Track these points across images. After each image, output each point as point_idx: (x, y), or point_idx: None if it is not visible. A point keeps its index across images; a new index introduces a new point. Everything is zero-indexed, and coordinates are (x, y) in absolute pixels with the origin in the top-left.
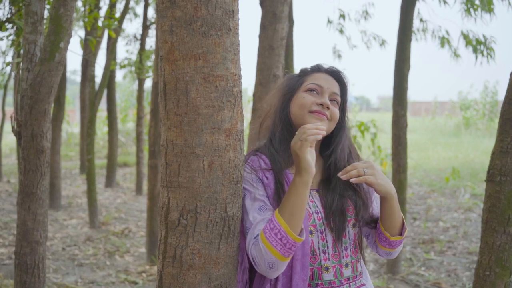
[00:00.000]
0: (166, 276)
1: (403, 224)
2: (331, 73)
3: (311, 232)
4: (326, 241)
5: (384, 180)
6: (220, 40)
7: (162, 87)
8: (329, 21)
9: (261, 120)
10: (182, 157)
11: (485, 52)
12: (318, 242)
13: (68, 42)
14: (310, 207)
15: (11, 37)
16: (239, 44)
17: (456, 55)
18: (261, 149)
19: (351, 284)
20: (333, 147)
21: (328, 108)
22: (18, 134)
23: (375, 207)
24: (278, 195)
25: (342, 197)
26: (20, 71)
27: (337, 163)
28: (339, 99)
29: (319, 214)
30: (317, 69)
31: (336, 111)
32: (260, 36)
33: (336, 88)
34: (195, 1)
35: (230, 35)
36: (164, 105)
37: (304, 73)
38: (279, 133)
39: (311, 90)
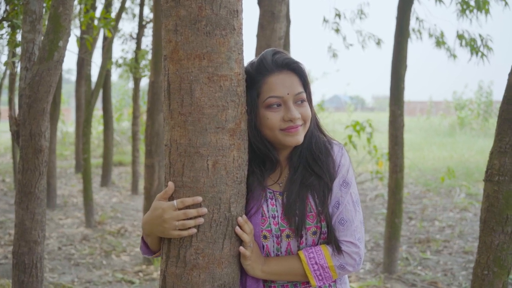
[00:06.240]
0: (170, 275)
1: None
2: (284, 67)
3: (265, 237)
4: (280, 246)
5: (250, 266)
6: (224, 40)
7: (166, 87)
8: (325, 20)
9: None
10: (186, 156)
11: (480, 52)
12: (273, 246)
13: (67, 41)
14: (267, 211)
15: (6, 36)
16: (243, 43)
17: (453, 55)
18: None
19: None
20: (301, 145)
21: (298, 117)
22: (16, 133)
23: (332, 213)
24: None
25: (303, 197)
26: (17, 70)
27: (305, 155)
28: (304, 95)
29: (276, 219)
30: (267, 71)
31: (306, 110)
32: (258, 36)
33: (297, 84)
34: (199, 0)
35: (235, 34)
36: (168, 104)
37: (254, 81)
38: (257, 149)
39: (272, 105)
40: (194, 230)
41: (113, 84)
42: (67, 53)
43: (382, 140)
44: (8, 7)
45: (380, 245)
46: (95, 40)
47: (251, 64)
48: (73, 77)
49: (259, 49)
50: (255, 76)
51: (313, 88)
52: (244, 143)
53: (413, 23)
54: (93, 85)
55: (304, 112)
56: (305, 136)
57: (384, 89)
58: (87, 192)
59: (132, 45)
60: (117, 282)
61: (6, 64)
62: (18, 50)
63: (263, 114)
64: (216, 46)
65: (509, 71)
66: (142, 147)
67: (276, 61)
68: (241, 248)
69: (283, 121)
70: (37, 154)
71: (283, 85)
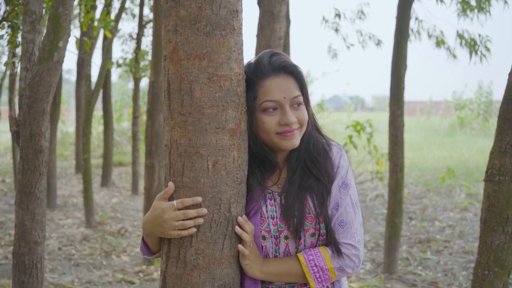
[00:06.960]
0: (170, 276)
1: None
2: (280, 70)
3: (264, 238)
4: (279, 248)
5: (249, 266)
6: (224, 40)
7: (166, 87)
8: (324, 20)
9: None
10: (186, 157)
11: (479, 52)
12: (272, 247)
13: (66, 42)
14: (266, 211)
15: (7, 36)
16: (243, 43)
17: (453, 55)
18: None
19: None
20: (299, 147)
21: (295, 121)
22: (16, 133)
23: (331, 215)
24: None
25: (301, 198)
26: (17, 70)
27: (303, 157)
28: (301, 98)
29: (275, 220)
30: (263, 74)
31: (303, 114)
32: (258, 36)
33: (293, 88)
34: (199, 0)
35: (234, 34)
36: (168, 104)
37: (250, 84)
38: (256, 152)
39: (269, 109)
40: (194, 230)
41: (113, 84)
42: (67, 53)
43: (382, 140)
44: (8, 8)
45: (380, 245)
46: (94, 42)
47: (248, 65)
48: (73, 77)
49: (259, 49)
50: (252, 78)
51: (313, 88)
52: (244, 143)
53: (412, 24)
54: (93, 85)
55: (300, 116)
56: (302, 138)
57: (384, 89)
58: (87, 192)
59: (132, 45)
60: (117, 283)
61: (6, 64)
62: (18, 50)
63: (259, 117)
64: (216, 46)
65: (509, 71)
66: (142, 147)
67: (272, 64)
68: (240, 246)
69: (279, 125)
70: (37, 154)
71: (279, 89)
